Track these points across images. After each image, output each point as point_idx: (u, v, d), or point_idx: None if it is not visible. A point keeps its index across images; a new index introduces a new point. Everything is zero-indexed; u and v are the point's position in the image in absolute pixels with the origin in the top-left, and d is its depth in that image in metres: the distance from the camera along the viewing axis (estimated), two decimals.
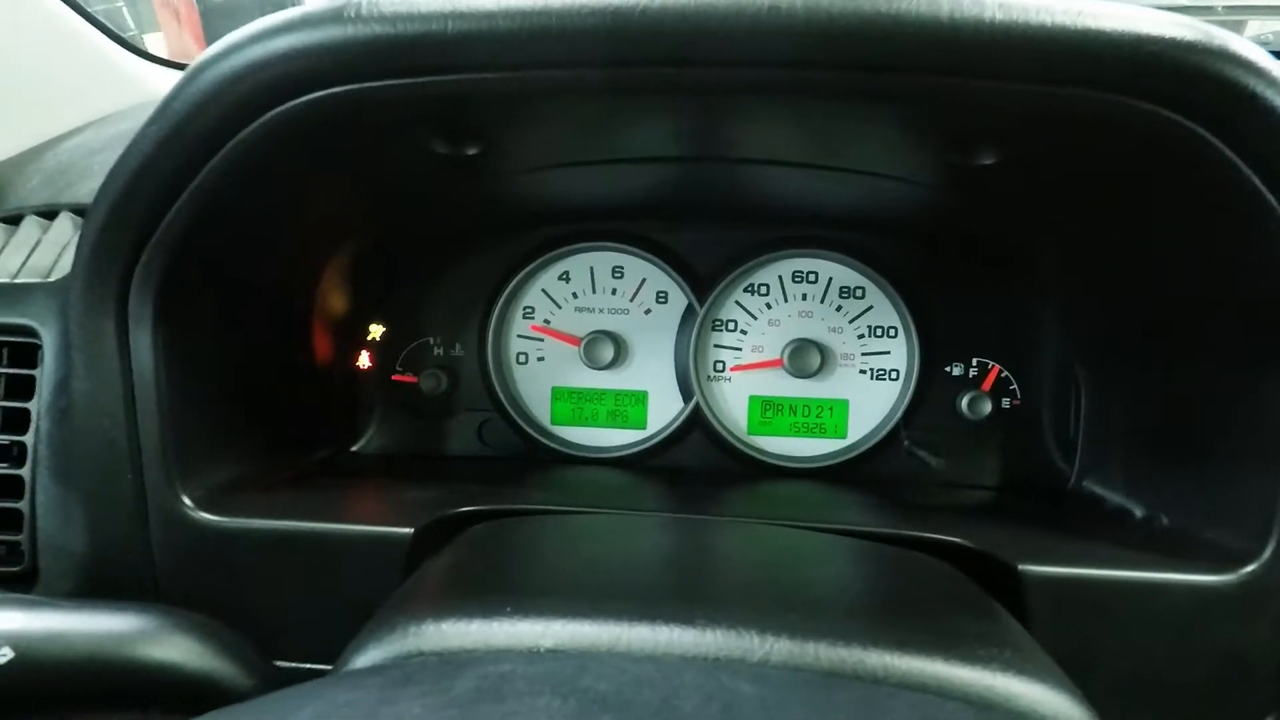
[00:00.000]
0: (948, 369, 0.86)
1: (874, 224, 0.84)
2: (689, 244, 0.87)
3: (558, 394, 0.90)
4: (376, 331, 0.89)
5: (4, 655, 0.37)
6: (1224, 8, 1.34)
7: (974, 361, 0.85)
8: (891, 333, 0.87)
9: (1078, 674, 0.42)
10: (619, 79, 0.46)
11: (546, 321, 0.90)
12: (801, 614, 0.41)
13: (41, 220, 0.74)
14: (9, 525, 0.63)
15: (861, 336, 0.88)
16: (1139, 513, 0.69)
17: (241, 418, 0.70)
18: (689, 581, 0.49)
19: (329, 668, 0.41)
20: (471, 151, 0.60)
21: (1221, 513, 0.59)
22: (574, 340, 0.89)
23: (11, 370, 0.64)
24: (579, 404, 0.90)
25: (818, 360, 0.86)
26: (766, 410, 0.89)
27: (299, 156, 0.56)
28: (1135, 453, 0.72)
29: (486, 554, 0.52)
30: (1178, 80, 0.44)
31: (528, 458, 0.89)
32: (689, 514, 0.66)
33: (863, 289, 0.87)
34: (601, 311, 0.89)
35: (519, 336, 0.91)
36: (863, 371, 0.88)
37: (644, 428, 0.89)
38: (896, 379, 0.87)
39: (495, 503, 0.63)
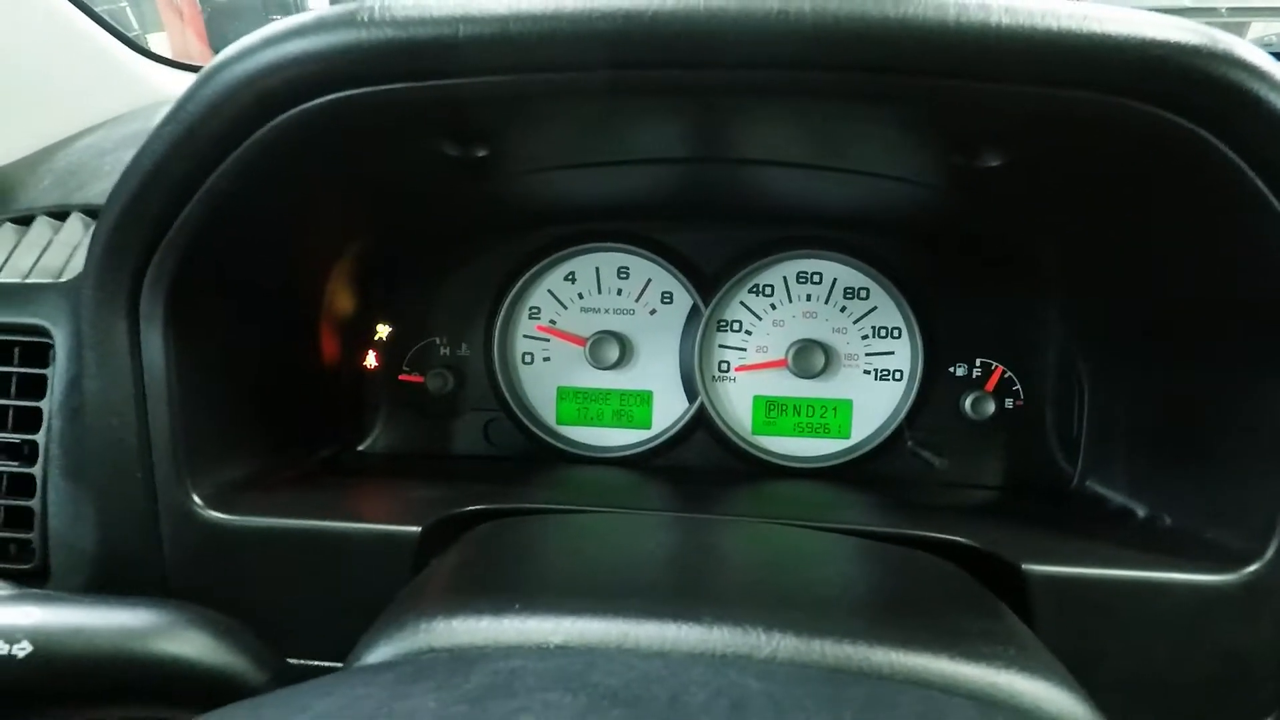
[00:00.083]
0: (951, 369, 0.86)
1: (878, 225, 0.85)
2: (694, 244, 0.88)
3: (563, 394, 0.91)
4: (383, 331, 0.89)
5: (23, 649, 0.38)
6: (1227, 9, 1.35)
7: (977, 362, 0.86)
8: (895, 333, 0.87)
9: (1080, 672, 0.42)
10: (629, 82, 0.47)
11: (552, 322, 0.91)
12: (807, 611, 0.41)
13: (53, 221, 0.75)
14: (21, 523, 0.63)
15: (865, 337, 0.88)
16: (1141, 512, 0.69)
17: (251, 417, 0.70)
18: (695, 579, 0.50)
19: (338, 665, 0.42)
20: (481, 153, 0.61)
21: (1224, 513, 0.59)
22: (579, 340, 0.89)
23: (23, 369, 0.65)
24: (584, 404, 0.91)
25: (822, 361, 0.86)
26: (771, 410, 0.89)
27: (311, 158, 0.56)
28: (1138, 453, 0.72)
29: (494, 552, 0.53)
30: (1182, 84, 0.44)
31: (533, 457, 0.89)
32: (694, 513, 0.67)
33: (867, 290, 0.88)
34: (607, 312, 0.90)
35: (525, 336, 0.91)
36: (866, 372, 0.88)
37: (649, 427, 0.90)
38: (900, 379, 0.87)
39: (501, 502, 0.63)
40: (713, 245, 0.87)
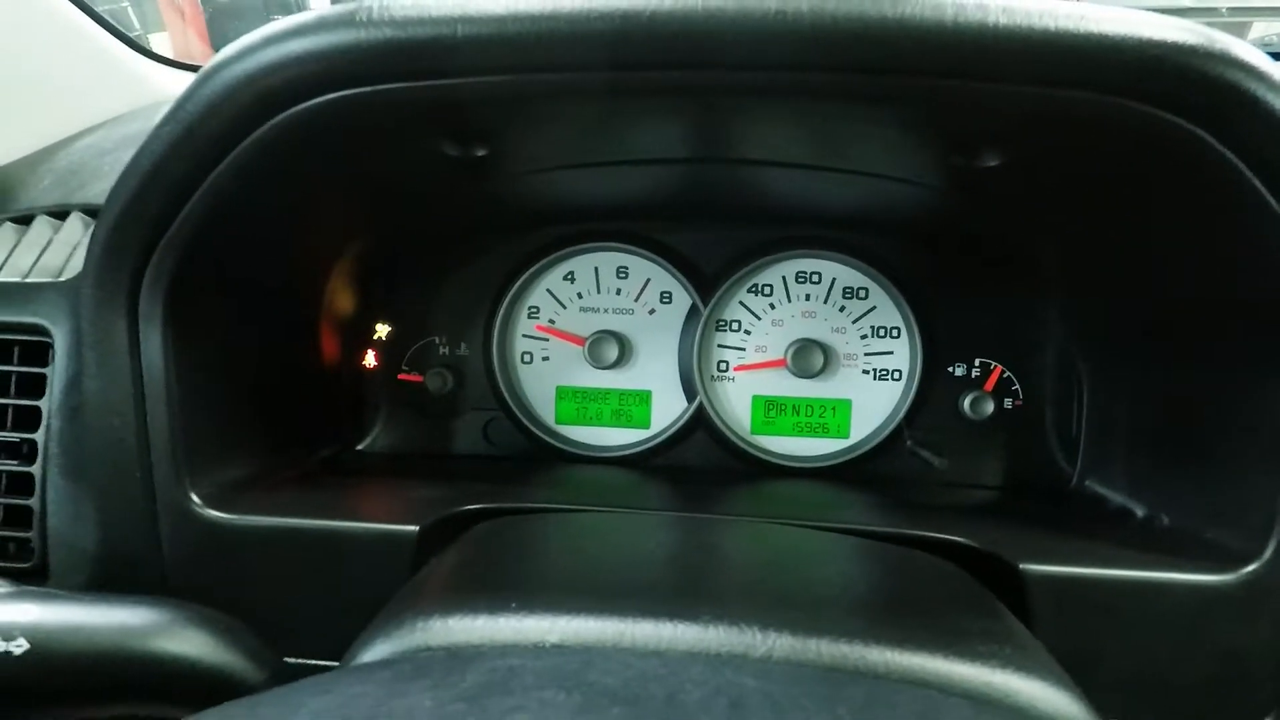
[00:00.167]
0: (950, 369, 0.86)
1: (877, 225, 0.85)
2: (693, 244, 0.88)
3: (562, 393, 0.91)
4: (383, 331, 0.89)
5: (20, 646, 0.38)
6: (1228, 9, 1.35)
7: (976, 362, 0.86)
8: (894, 333, 0.87)
9: (1079, 672, 0.42)
10: (627, 82, 0.47)
11: (551, 321, 0.91)
12: (804, 611, 0.41)
13: (53, 220, 0.75)
14: (20, 522, 0.63)
15: (864, 337, 0.88)
16: (1140, 512, 0.69)
17: (250, 416, 0.71)
18: (692, 579, 0.50)
19: (335, 664, 0.42)
20: (480, 153, 0.61)
21: (1223, 512, 0.59)
22: (578, 340, 0.90)
23: (23, 369, 0.65)
24: (583, 403, 0.91)
25: (821, 360, 0.86)
26: (770, 410, 0.89)
27: (310, 158, 0.56)
28: (1137, 452, 0.72)
29: (492, 551, 0.53)
30: (1179, 84, 0.44)
31: (532, 457, 0.89)
32: (692, 513, 0.67)
33: (866, 289, 0.88)
34: (606, 311, 0.90)
35: (524, 336, 0.91)
36: (865, 372, 0.88)
37: (648, 427, 0.90)
38: (899, 379, 0.87)
39: (500, 501, 0.63)
40: (712, 245, 0.87)
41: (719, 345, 0.89)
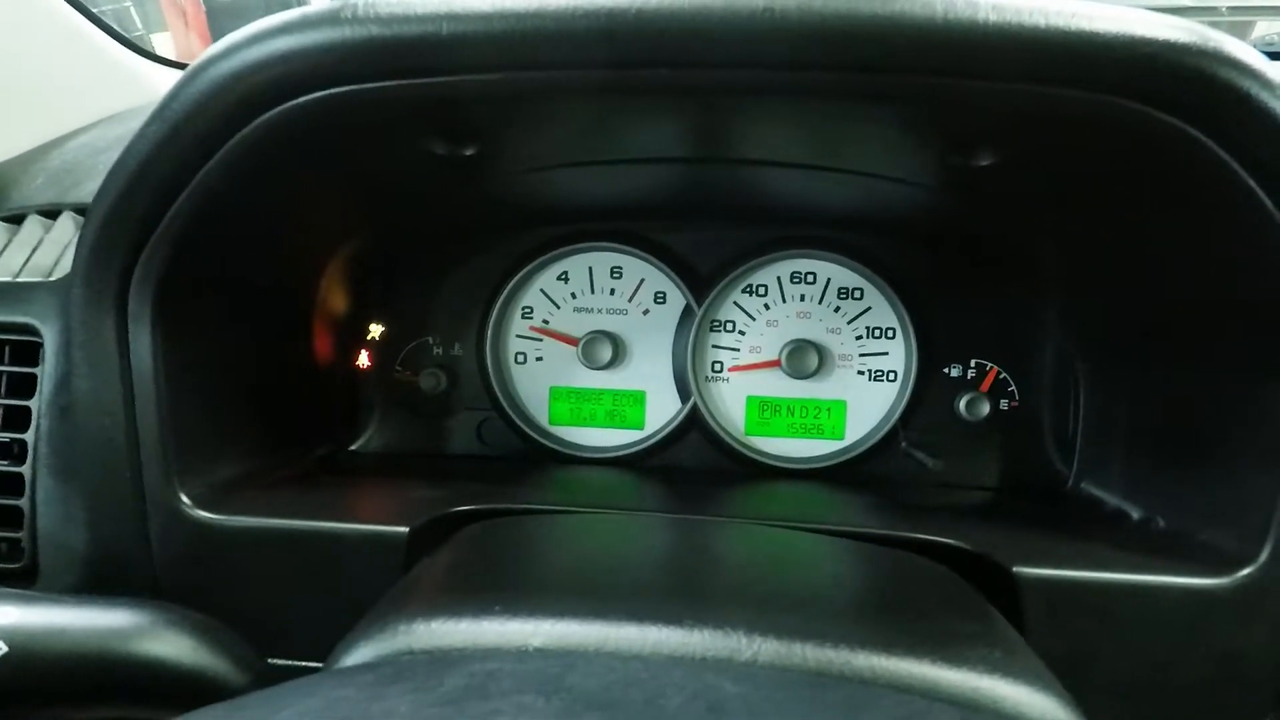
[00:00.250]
0: (946, 370, 0.85)
1: (872, 225, 0.84)
2: (687, 244, 0.87)
3: (556, 394, 0.91)
4: (376, 331, 0.89)
5: None
6: (1228, 8, 1.34)
7: (972, 363, 0.85)
8: (890, 334, 0.87)
9: (1073, 676, 0.42)
10: (614, 80, 0.47)
11: (545, 322, 0.90)
12: (791, 614, 0.41)
13: (44, 220, 0.75)
14: (10, 522, 0.63)
15: (860, 337, 0.88)
16: (1136, 515, 0.68)
17: (241, 416, 0.70)
18: (680, 582, 0.49)
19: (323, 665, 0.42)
20: (469, 152, 0.60)
21: (1219, 515, 0.59)
22: (572, 340, 0.89)
23: (13, 368, 0.65)
24: (577, 404, 0.90)
25: (816, 361, 0.86)
26: (764, 411, 0.89)
27: (297, 156, 0.56)
28: (1134, 454, 0.72)
29: (480, 553, 0.53)
30: (1172, 82, 0.44)
31: (526, 457, 0.89)
32: (686, 514, 0.67)
33: (861, 290, 0.87)
34: (600, 312, 0.90)
35: (518, 336, 0.91)
36: (861, 372, 0.88)
37: (642, 428, 0.90)
38: (894, 380, 0.87)
39: (492, 502, 0.63)
40: (706, 245, 0.87)
41: (713, 346, 0.89)
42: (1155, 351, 0.68)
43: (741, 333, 0.89)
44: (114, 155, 0.53)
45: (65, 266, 0.68)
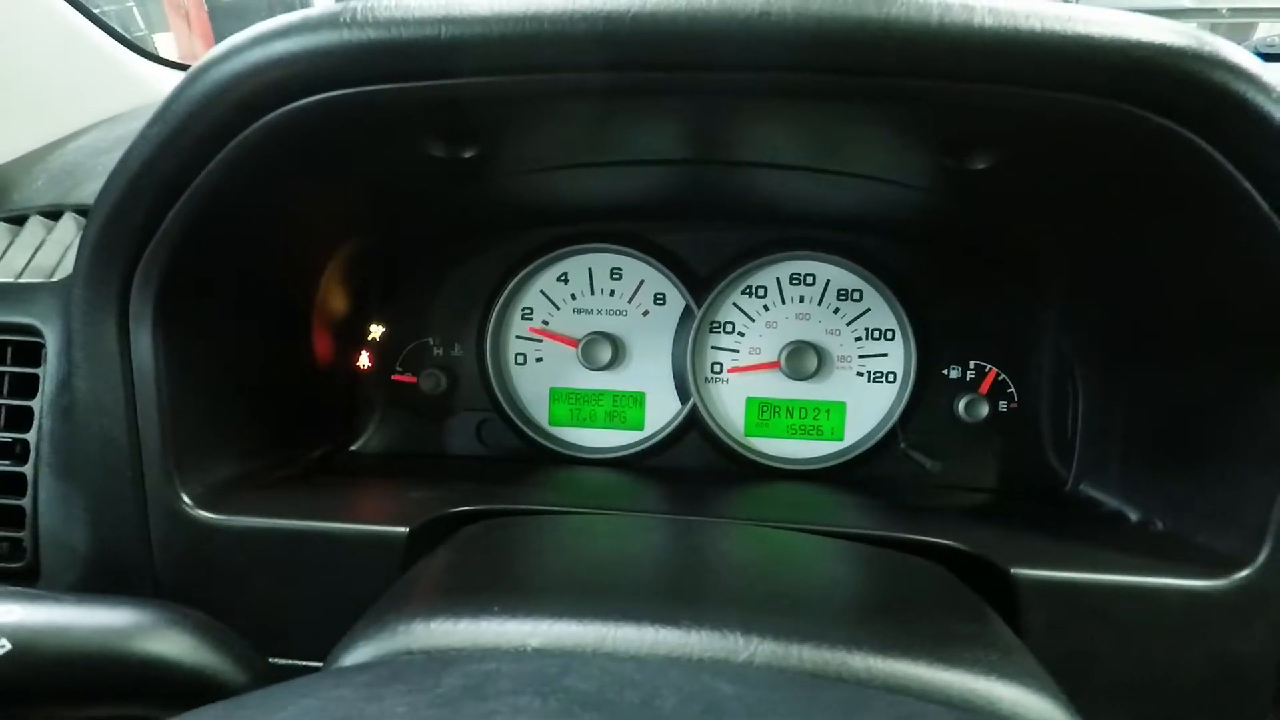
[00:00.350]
0: (945, 371, 0.86)
1: (872, 227, 0.85)
2: (687, 246, 0.88)
3: (556, 395, 0.91)
4: (376, 331, 0.89)
5: (1, 647, 0.38)
6: (1228, 10, 1.34)
7: (971, 364, 0.85)
8: (889, 335, 0.87)
9: (1070, 678, 0.42)
10: (611, 83, 0.47)
11: (545, 323, 0.91)
12: (788, 616, 0.41)
13: (46, 220, 0.75)
14: (12, 522, 0.64)
15: (859, 339, 0.88)
16: (1135, 516, 0.68)
17: (241, 417, 0.71)
18: (678, 582, 0.50)
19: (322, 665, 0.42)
20: (468, 154, 0.61)
21: (1217, 517, 0.59)
22: (572, 341, 0.89)
23: (15, 369, 0.65)
24: (577, 405, 0.91)
25: (815, 362, 0.86)
26: (764, 412, 0.89)
27: (297, 158, 0.56)
28: (1132, 456, 0.72)
29: (479, 554, 0.53)
30: (1168, 86, 0.44)
31: (525, 458, 0.89)
32: (685, 515, 0.67)
33: (860, 291, 0.87)
34: (600, 313, 0.90)
35: (517, 337, 0.91)
36: (860, 374, 0.88)
37: (641, 429, 0.90)
38: (894, 381, 0.87)
39: (491, 502, 0.63)
40: (706, 246, 0.87)
41: (713, 347, 0.89)
42: (1154, 353, 0.68)
43: (741, 334, 0.89)
44: (115, 156, 0.54)
45: (67, 267, 0.68)
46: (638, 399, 0.90)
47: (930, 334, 0.85)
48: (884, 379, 0.87)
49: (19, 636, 0.39)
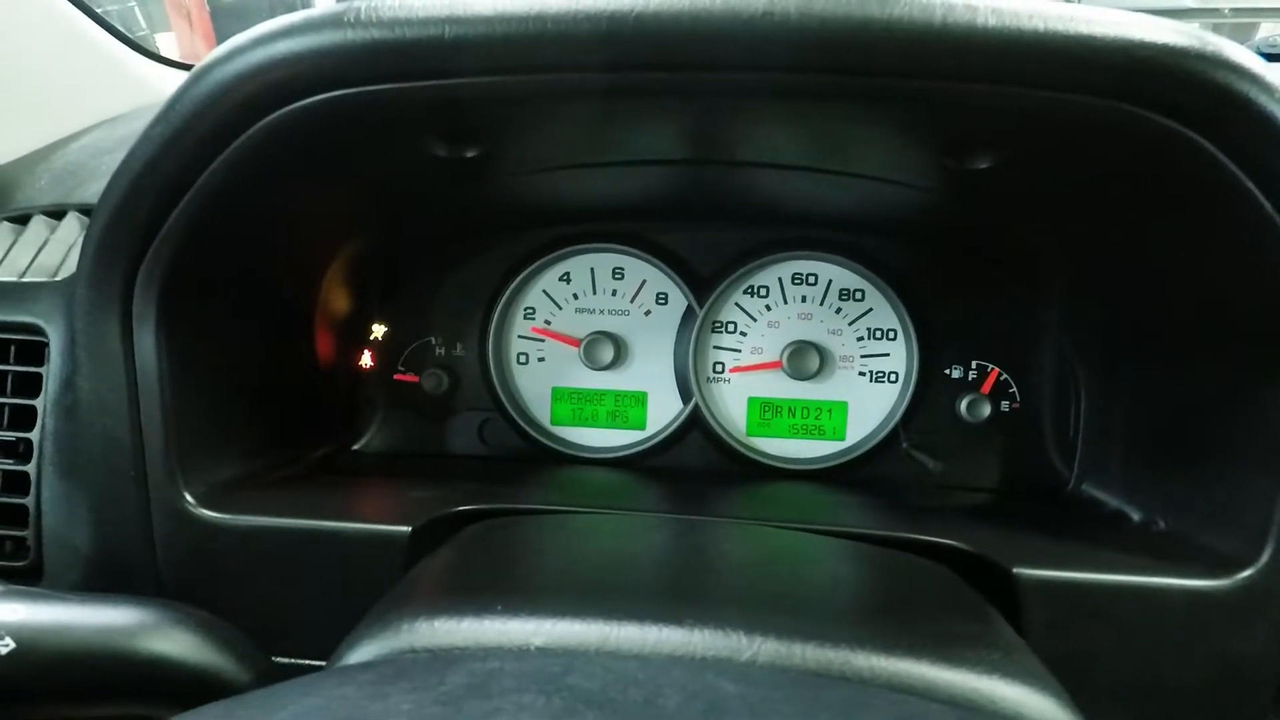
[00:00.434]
0: (947, 371, 0.86)
1: (874, 226, 0.85)
2: (689, 246, 0.88)
3: (558, 394, 0.91)
4: (379, 331, 0.90)
5: (5, 646, 0.38)
6: (1231, 10, 1.34)
7: (973, 364, 0.85)
8: (891, 335, 0.87)
9: (1072, 678, 0.42)
10: (615, 83, 0.47)
11: (547, 323, 0.91)
12: (791, 615, 0.41)
13: (49, 220, 0.75)
14: (15, 520, 0.64)
15: (861, 339, 0.88)
16: (1137, 516, 0.68)
17: (244, 416, 0.71)
18: (681, 582, 0.50)
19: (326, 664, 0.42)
20: (471, 154, 0.61)
21: (1219, 517, 0.59)
22: (574, 341, 0.89)
23: (19, 368, 0.65)
24: (579, 404, 0.91)
25: (817, 362, 0.86)
26: (765, 412, 0.89)
27: (300, 158, 0.56)
28: (1134, 456, 0.72)
29: (481, 553, 0.53)
30: (1171, 87, 0.44)
31: (528, 457, 0.89)
32: (687, 515, 0.67)
33: (862, 291, 0.87)
34: (602, 312, 0.90)
35: (520, 337, 0.91)
36: (862, 374, 0.88)
37: (643, 428, 0.90)
38: (896, 381, 0.87)
39: (493, 502, 0.63)
40: (708, 246, 0.87)
41: (715, 347, 0.89)
42: (1156, 353, 0.68)
43: (743, 334, 0.89)
44: (118, 156, 0.54)
45: (70, 267, 0.68)
46: (640, 399, 0.90)
47: (932, 334, 0.85)
48: (886, 379, 0.87)
49: (23, 635, 0.39)
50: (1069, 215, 0.66)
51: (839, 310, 0.88)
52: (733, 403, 0.89)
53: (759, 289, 0.89)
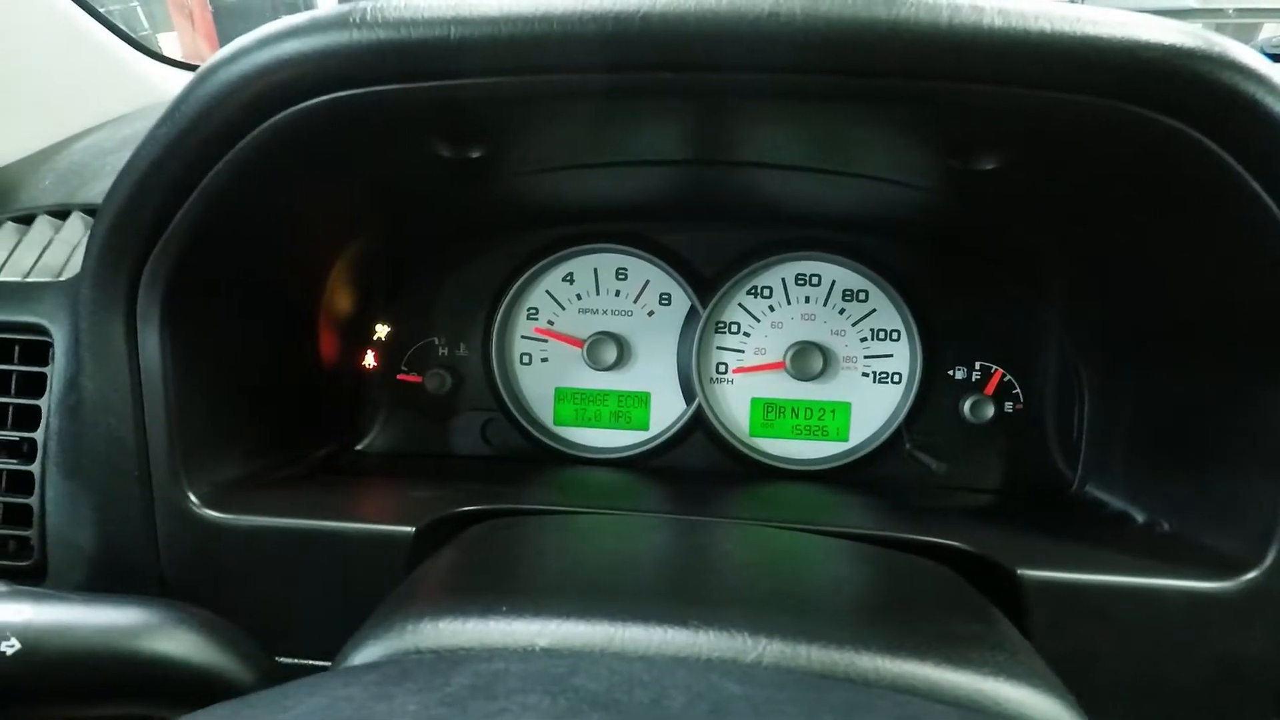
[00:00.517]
0: (950, 372, 0.85)
1: (877, 227, 0.84)
2: (692, 246, 0.88)
3: (561, 395, 0.91)
4: (382, 331, 0.90)
5: (10, 646, 0.38)
6: (1234, 10, 1.34)
7: (977, 365, 0.85)
8: (894, 336, 0.87)
9: (1075, 679, 0.42)
10: (619, 83, 0.47)
11: (550, 323, 0.91)
12: (795, 616, 0.41)
13: (54, 220, 0.75)
14: (19, 520, 0.64)
15: (864, 339, 0.88)
16: (1140, 518, 0.68)
17: (247, 416, 0.71)
18: (685, 582, 0.50)
19: (330, 664, 0.42)
20: (475, 154, 0.61)
21: (1223, 519, 0.59)
22: (577, 342, 0.90)
23: (23, 367, 0.65)
24: (582, 405, 0.91)
25: (820, 363, 0.86)
26: (768, 412, 0.89)
27: (305, 159, 0.56)
28: (1138, 457, 0.72)
29: (485, 553, 0.53)
30: (1176, 87, 0.44)
31: (530, 458, 0.89)
32: (690, 515, 0.67)
33: (865, 292, 0.87)
34: (605, 313, 0.90)
35: (523, 337, 0.91)
36: (865, 374, 0.88)
37: (646, 429, 0.90)
38: (899, 382, 0.87)
39: (496, 502, 0.63)
40: (711, 247, 0.87)
41: (718, 347, 0.89)
42: (1160, 354, 0.68)
43: (746, 334, 0.89)
44: (122, 156, 0.54)
45: (75, 267, 0.68)
46: (643, 399, 0.90)
47: (936, 335, 0.85)
48: (889, 379, 0.87)
49: (28, 635, 0.39)
50: (1073, 215, 0.66)
51: (842, 311, 0.88)
52: (736, 403, 0.89)
53: (762, 289, 0.88)
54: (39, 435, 0.63)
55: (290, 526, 0.60)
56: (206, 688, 0.42)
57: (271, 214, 0.64)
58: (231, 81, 0.49)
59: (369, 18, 0.46)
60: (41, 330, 0.65)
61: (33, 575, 0.64)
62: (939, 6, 0.43)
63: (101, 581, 0.62)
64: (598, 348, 0.88)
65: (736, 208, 0.84)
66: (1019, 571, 0.55)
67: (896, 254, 0.85)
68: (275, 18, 0.49)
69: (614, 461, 0.88)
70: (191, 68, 1.13)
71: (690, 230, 0.87)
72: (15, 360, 0.65)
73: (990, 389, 0.85)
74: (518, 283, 0.89)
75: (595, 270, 0.90)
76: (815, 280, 0.88)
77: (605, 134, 0.63)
